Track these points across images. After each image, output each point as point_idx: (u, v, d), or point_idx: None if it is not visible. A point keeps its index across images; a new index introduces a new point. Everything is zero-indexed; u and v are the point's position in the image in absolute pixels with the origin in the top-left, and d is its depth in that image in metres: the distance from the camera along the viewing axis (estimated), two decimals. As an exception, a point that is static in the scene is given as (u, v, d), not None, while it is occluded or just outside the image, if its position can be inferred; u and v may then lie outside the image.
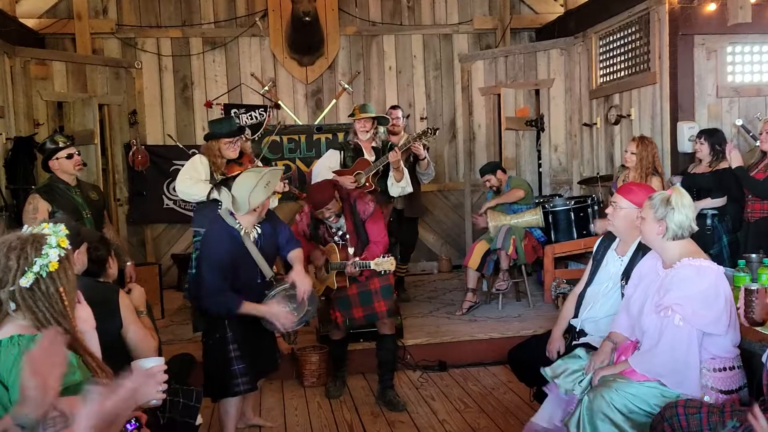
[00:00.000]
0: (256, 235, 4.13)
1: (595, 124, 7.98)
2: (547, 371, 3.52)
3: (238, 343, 4.07)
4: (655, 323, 3.13)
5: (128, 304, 3.26)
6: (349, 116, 6.40)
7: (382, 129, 6.33)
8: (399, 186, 5.93)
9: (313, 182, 6.24)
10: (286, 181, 5.70)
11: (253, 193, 3.97)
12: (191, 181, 5.12)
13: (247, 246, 4.06)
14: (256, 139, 8.36)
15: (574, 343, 3.79)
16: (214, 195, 4.82)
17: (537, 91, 8.67)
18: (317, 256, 4.89)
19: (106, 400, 1.85)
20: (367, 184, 6.06)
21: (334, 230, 4.90)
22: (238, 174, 4.13)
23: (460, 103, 9.16)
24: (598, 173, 7.42)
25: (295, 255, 4.35)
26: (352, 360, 5.44)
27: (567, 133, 8.57)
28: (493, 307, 6.73)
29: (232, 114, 8.44)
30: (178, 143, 8.10)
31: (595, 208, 6.90)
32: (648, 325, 3.17)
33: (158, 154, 8.43)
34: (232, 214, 4.04)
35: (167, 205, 8.51)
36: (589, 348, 3.62)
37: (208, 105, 8.56)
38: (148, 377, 2.10)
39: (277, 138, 8.54)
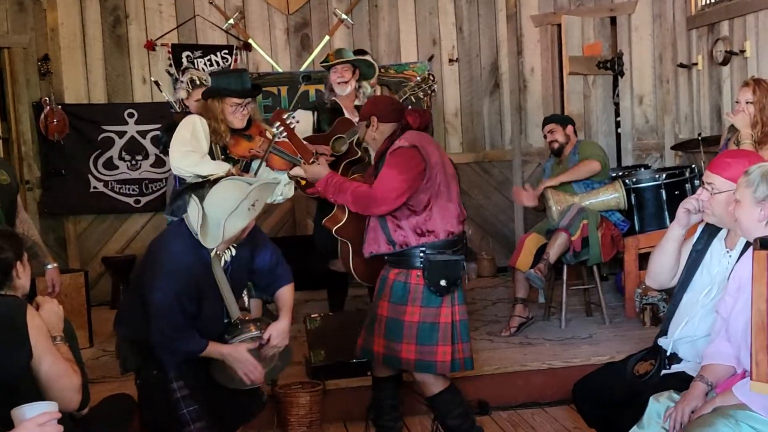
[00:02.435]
0: (228, 259, 4.19)
1: (696, 64, 7.97)
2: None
3: (185, 379, 4.11)
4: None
5: (40, 326, 3.29)
6: (321, 63, 6.54)
7: (367, 86, 6.43)
8: None
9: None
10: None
11: (231, 217, 3.95)
12: (198, 155, 5.13)
13: (216, 273, 4.12)
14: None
15: (665, 372, 3.81)
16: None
17: (613, 20, 8.65)
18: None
19: None
20: (351, 150, 6.16)
21: None
22: (216, 180, 4.12)
23: (504, 39, 9.16)
24: (700, 134, 7.42)
25: (286, 295, 4.44)
26: (331, 404, 5.51)
27: (656, 78, 8.56)
28: (553, 325, 6.77)
29: (184, 58, 8.51)
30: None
31: (696, 183, 6.89)
32: None
33: (81, 116, 8.48)
34: None
35: (96, 188, 8.57)
36: (686, 381, 3.63)
37: (150, 46, 8.60)
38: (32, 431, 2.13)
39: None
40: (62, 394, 3.26)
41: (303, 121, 6.33)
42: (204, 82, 6.14)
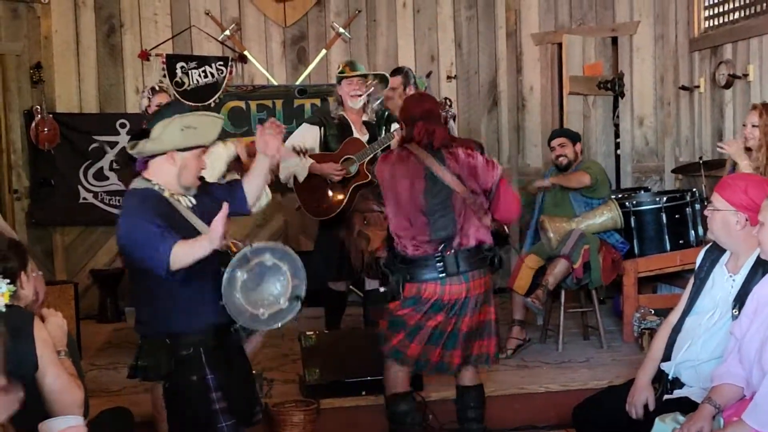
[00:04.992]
0: (190, 204, 4.19)
1: (698, 87, 8.07)
2: None
3: (223, 390, 4.08)
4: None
5: (46, 339, 3.35)
6: (338, 74, 6.55)
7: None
8: None
9: (281, 169, 6.32)
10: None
11: (168, 129, 4.07)
12: None
13: (179, 209, 4.11)
14: (213, 105, 8.49)
15: (667, 397, 3.89)
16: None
17: (614, 40, 8.76)
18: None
19: None
20: (361, 173, 6.23)
21: None
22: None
23: (504, 57, 9.25)
24: (701, 158, 7.48)
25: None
26: (325, 423, 5.48)
27: (657, 99, 8.66)
28: (550, 348, 6.82)
29: (178, 69, 8.57)
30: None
31: (697, 207, 6.98)
32: None
33: (72, 126, 8.52)
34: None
35: (85, 198, 8.60)
36: (688, 407, 3.71)
37: (144, 56, 8.64)
38: None
39: (242, 104, 8.64)
40: (66, 408, 3.31)
41: (309, 137, 6.36)
42: (164, 88, 6.32)
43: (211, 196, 4.30)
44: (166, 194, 4.11)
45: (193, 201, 4.21)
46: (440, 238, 4.71)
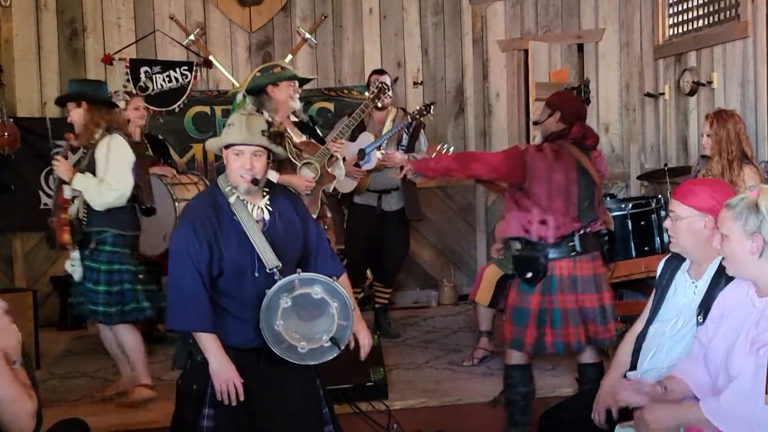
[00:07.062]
0: (263, 216, 4.09)
1: (663, 94, 8.07)
2: None
3: (216, 410, 3.96)
4: (749, 366, 3.21)
5: (-5, 348, 3.29)
6: (277, 74, 6.13)
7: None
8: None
9: None
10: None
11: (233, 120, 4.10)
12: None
13: (242, 220, 4.01)
14: (177, 110, 8.45)
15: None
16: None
17: (580, 47, 8.77)
18: None
19: None
20: (326, 176, 5.90)
21: None
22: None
23: (470, 63, 9.27)
24: (665, 164, 7.52)
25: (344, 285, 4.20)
26: None
27: (622, 106, 8.67)
28: (515, 356, 6.80)
29: (142, 74, 8.51)
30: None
31: (662, 213, 7.00)
32: (740, 367, 3.25)
33: (33, 130, 8.42)
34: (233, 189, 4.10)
35: (45, 204, 8.48)
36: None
37: (107, 60, 8.59)
38: None
39: (207, 109, 8.58)
40: (15, 419, 3.25)
41: None
42: (139, 92, 6.34)
43: (293, 210, 4.24)
44: (233, 199, 4.05)
45: (270, 209, 4.13)
46: (585, 224, 5.15)
